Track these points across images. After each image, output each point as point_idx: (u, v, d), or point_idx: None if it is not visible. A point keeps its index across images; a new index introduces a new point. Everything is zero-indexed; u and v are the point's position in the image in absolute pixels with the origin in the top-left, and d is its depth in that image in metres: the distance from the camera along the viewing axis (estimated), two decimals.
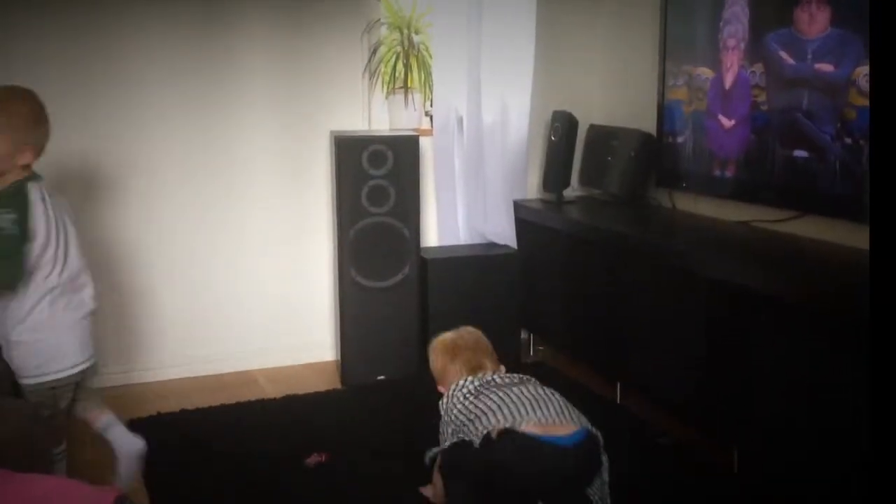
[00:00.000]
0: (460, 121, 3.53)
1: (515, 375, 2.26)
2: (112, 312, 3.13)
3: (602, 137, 3.52)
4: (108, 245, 3.18)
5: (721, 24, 2.88)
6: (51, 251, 2.08)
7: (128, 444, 2.27)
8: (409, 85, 3.60)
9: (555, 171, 3.55)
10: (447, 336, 2.39)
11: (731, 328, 2.42)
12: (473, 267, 3.39)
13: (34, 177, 2.13)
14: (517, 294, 3.44)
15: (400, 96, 3.58)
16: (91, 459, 2.37)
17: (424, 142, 3.42)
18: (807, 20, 2.51)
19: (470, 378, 2.22)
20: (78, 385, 2.22)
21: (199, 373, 3.35)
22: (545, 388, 2.20)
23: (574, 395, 3.09)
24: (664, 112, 3.20)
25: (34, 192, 2.08)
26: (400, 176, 3.20)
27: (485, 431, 2.03)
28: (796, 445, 2.23)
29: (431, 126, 3.58)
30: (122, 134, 3.16)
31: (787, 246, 2.59)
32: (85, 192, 3.11)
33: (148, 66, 3.16)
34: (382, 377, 3.27)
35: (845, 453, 2.05)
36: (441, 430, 2.25)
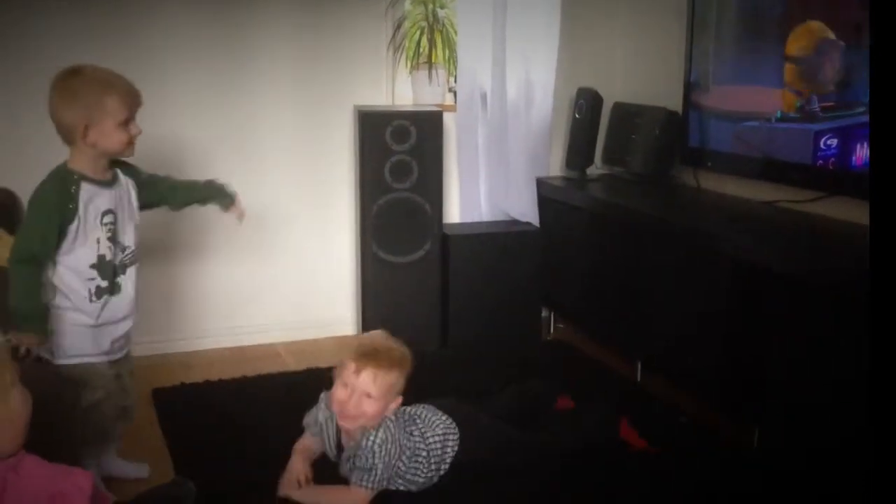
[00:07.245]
0: (484, 97, 3.51)
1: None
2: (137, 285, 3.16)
3: (626, 115, 3.49)
4: None
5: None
6: None
7: None
8: (433, 60, 3.59)
9: (578, 148, 3.53)
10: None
11: (752, 308, 2.41)
12: (495, 244, 3.38)
13: None
14: (538, 272, 3.44)
15: (424, 72, 3.57)
16: None
17: (448, 118, 3.41)
18: None
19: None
20: None
21: (223, 345, 3.39)
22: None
23: (593, 373, 3.14)
24: (690, 90, 3.17)
25: None
26: (423, 152, 3.20)
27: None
28: (817, 425, 2.22)
29: (455, 102, 3.57)
30: (142, 110, 3.16)
31: (813, 226, 2.56)
32: None
33: (169, 42, 3.16)
34: None
35: (866, 432, 2.04)
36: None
